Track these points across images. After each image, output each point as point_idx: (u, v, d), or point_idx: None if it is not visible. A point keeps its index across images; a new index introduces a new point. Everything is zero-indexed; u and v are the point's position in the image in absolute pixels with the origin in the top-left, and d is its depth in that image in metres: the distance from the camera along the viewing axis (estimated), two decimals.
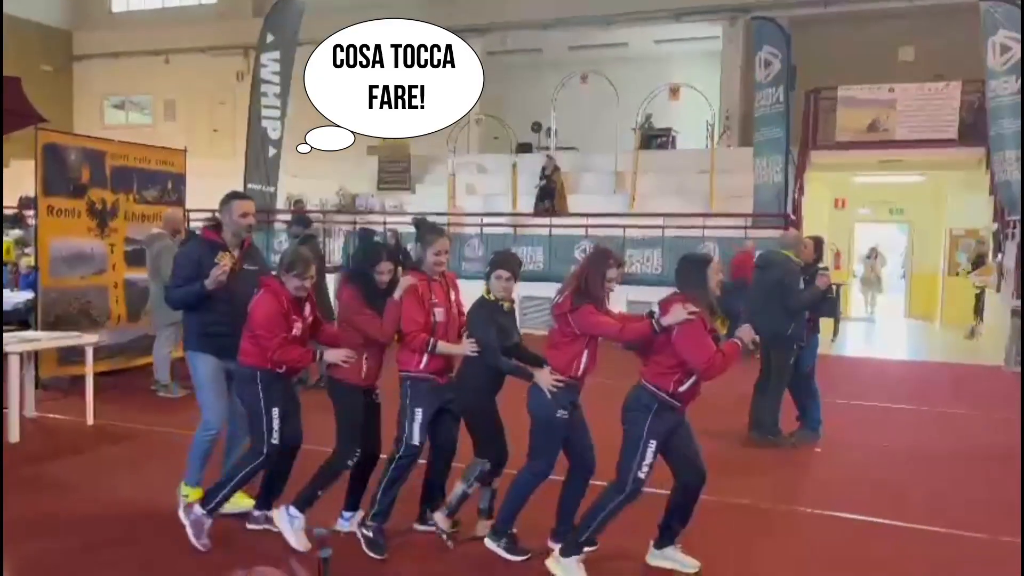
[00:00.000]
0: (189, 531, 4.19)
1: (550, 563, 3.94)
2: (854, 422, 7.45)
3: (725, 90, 17.63)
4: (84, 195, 8.06)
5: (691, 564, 4.04)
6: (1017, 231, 11.40)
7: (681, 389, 3.87)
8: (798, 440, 6.60)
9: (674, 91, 15.93)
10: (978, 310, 14.13)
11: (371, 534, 4.20)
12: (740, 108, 17.15)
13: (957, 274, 15.91)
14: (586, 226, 13.10)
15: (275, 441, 4.23)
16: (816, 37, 16.11)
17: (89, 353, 6.72)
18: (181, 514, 4.30)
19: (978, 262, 13.98)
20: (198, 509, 4.24)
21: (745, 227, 12.73)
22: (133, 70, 21.78)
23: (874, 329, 16.28)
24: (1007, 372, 10.29)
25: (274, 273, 4.37)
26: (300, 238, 8.71)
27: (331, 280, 12.56)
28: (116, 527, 4.47)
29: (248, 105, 15.07)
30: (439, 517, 4.30)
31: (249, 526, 4.44)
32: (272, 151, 15.13)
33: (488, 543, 4.16)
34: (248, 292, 4.35)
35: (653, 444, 3.84)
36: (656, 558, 4.12)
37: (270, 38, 14.93)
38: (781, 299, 6.41)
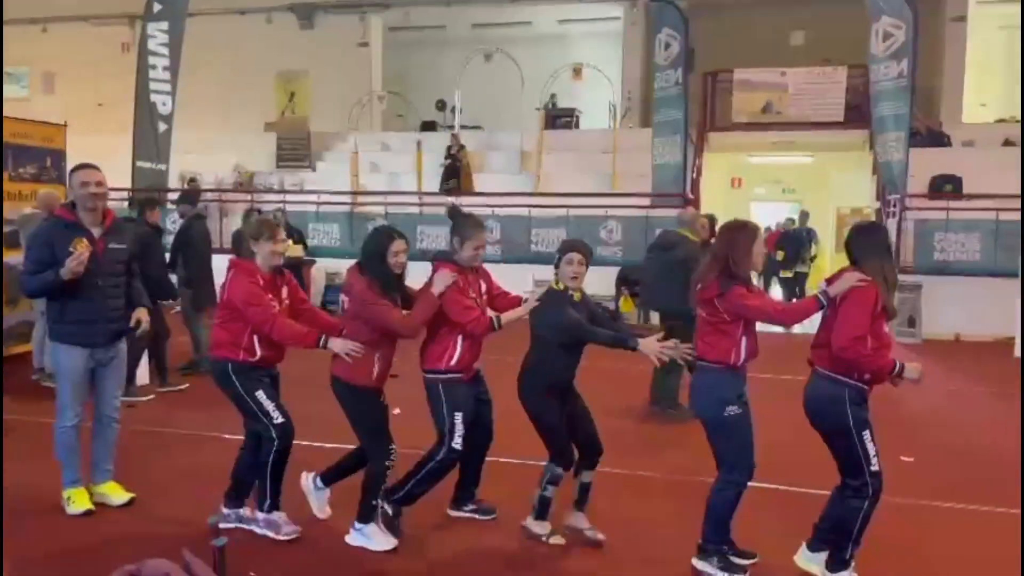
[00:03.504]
0: (266, 531, 4.06)
1: None
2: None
3: (627, 71, 17.91)
4: None
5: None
6: (897, 209, 12.07)
7: (868, 376, 3.52)
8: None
9: (577, 71, 16.08)
10: None
11: (391, 511, 4.07)
12: (641, 89, 17.47)
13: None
14: (492, 206, 13.08)
15: (278, 420, 4.00)
16: (713, 21, 16.54)
17: None
18: (258, 514, 4.14)
19: None
20: (260, 514, 4.09)
21: (646, 206, 12.99)
22: (7, 39, 20.28)
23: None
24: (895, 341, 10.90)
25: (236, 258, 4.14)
26: (188, 217, 8.36)
27: (226, 262, 12.18)
28: None
29: (135, 78, 14.31)
30: (531, 523, 4.15)
31: (221, 524, 4.26)
32: (163, 127, 14.44)
33: (697, 563, 3.84)
34: (116, 273, 4.12)
35: (867, 434, 3.52)
36: (807, 562, 3.84)
37: (157, 7, 14.20)
38: (684, 278, 6.55)
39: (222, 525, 4.20)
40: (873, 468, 3.54)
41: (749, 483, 3.78)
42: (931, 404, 7.38)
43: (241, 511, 4.25)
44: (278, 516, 4.12)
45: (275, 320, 3.86)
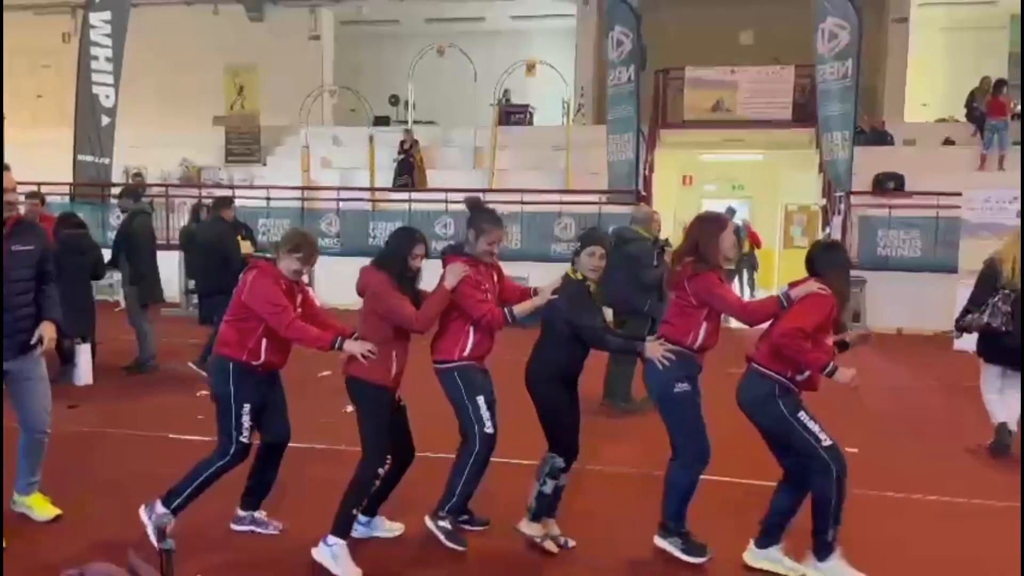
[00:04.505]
0: (150, 531, 3.83)
1: (812, 573, 3.70)
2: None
3: (580, 68, 17.99)
4: None
5: (795, 568, 3.79)
6: (843, 206, 12.35)
7: (800, 377, 3.60)
8: (650, 406, 6.86)
9: (530, 67, 16.08)
10: None
11: (449, 526, 3.96)
12: (594, 86, 17.57)
13: (793, 247, 17.13)
14: (446, 201, 13.04)
15: (244, 439, 3.89)
16: (665, 19, 16.69)
17: None
18: (142, 513, 3.94)
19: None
20: (160, 507, 3.87)
21: (600, 203, 13.07)
22: None
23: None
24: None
25: (268, 256, 4.01)
26: (130, 212, 8.17)
27: (174, 258, 11.92)
28: None
29: (76, 69, 13.91)
30: (525, 525, 4.02)
31: (234, 527, 4.15)
32: (105, 120, 14.07)
33: (659, 542, 3.89)
34: (22, 276, 3.90)
35: (804, 416, 3.59)
36: (757, 559, 3.85)
37: None
38: (636, 275, 6.61)
39: (235, 527, 4.15)
40: (825, 443, 3.57)
41: (703, 474, 3.83)
42: (875, 397, 7.58)
43: (256, 514, 4.17)
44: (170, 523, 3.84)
45: (293, 322, 3.82)
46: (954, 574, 4.01)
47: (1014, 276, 5.53)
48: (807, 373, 3.63)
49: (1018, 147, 13.59)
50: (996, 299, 5.59)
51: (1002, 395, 5.80)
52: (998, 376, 5.79)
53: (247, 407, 3.91)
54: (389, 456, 3.85)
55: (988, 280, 5.72)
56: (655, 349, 3.78)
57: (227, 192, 14.05)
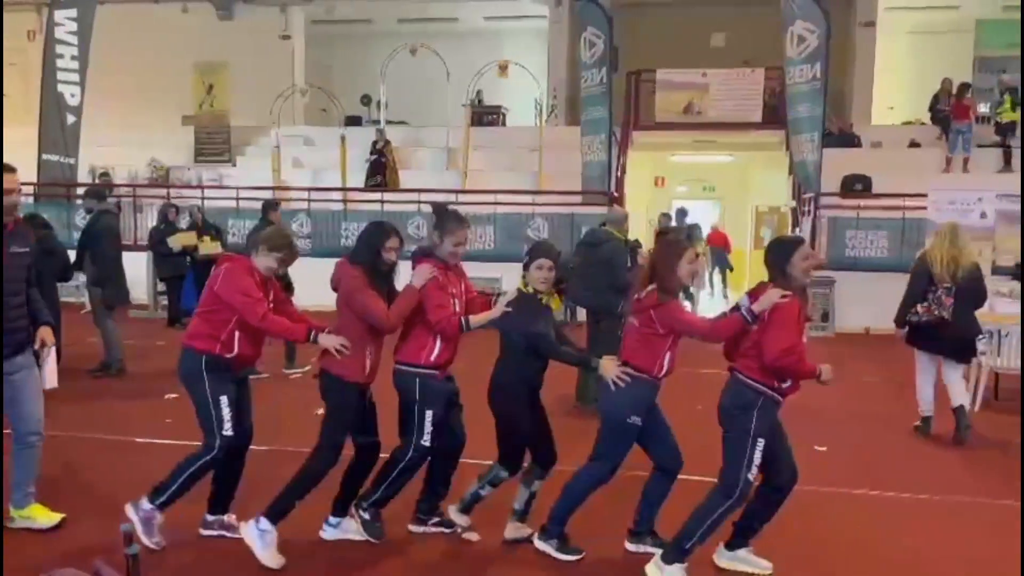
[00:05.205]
0: (139, 529, 3.78)
1: (651, 569, 3.74)
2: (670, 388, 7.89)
3: (553, 70, 18.02)
4: None
5: (764, 566, 3.86)
6: (812, 207, 12.50)
7: (784, 384, 3.63)
8: None
9: (503, 68, 16.07)
10: None
11: (368, 516, 3.98)
12: (567, 87, 17.61)
13: (763, 248, 17.30)
14: (419, 202, 12.98)
15: (227, 433, 3.84)
16: (636, 21, 16.80)
17: None
18: (128, 509, 3.88)
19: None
20: (146, 504, 3.83)
21: (573, 204, 13.10)
22: None
23: (692, 301, 17.34)
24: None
25: (241, 253, 3.98)
26: (95, 213, 8.05)
27: (142, 259, 11.76)
28: None
29: (42, 67, 13.66)
30: (454, 512, 4.07)
31: (203, 532, 4.09)
32: (71, 119, 13.86)
33: (538, 543, 3.98)
34: (18, 278, 3.89)
35: (761, 443, 3.61)
36: (727, 559, 3.90)
37: None
38: (610, 276, 6.63)
39: (204, 532, 4.10)
40: (749, 476, 3.64)
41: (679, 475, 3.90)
42: (844, 395, 7.67)
43: (225, 518, 4.12)
44: (158, 518, 3.93)
45: (267, 314, 3.79)
46: (923, 570, 4.07)
47: (942, 272, 6.05)
48: (790, 381, 3.67)
49: (982, 149, 13.89)
50: (938, 293, 6.07)
51: (934, 380, 6.35)
52: (932, 363, 6.35)
53: (224, 399, 3.86)
54: (339, 456, 3.90)
55: (921, 277, 6.22)
56: (610, 368, 3.79)
57: (196, 192, 13.93)
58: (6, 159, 4.17)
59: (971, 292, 6.11)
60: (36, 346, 4.06)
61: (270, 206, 8.29)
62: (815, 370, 3.61)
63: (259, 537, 3.80)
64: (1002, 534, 4.40)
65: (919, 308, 6.14)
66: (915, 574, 4.02)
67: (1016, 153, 13.49)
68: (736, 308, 3.70)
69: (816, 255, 3.87)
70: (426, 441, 3.93)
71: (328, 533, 4.05)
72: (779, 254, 3.74)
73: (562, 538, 3.97)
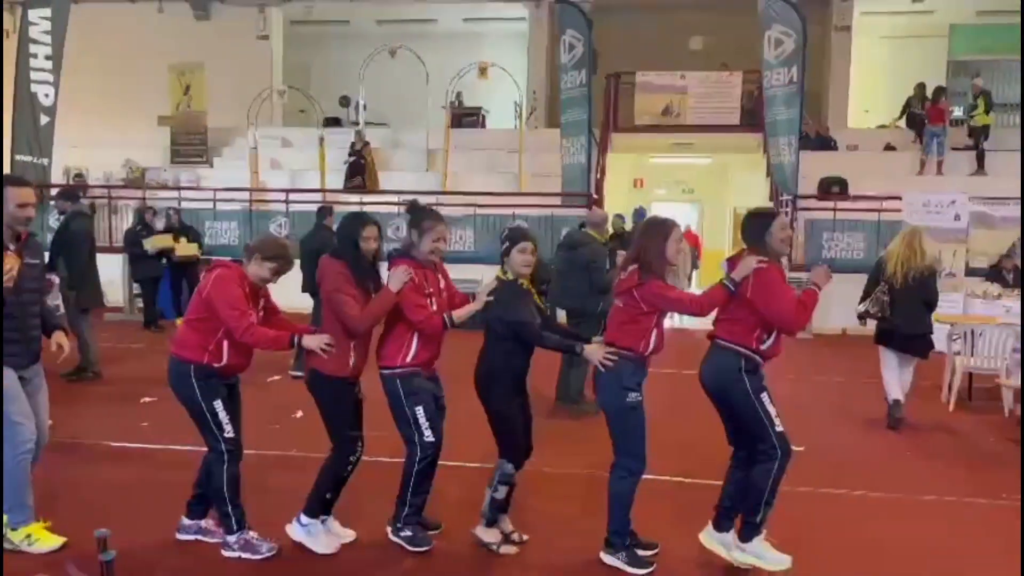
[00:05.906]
0: (240, 554, 3.84)
1: (738, 556, 3.75)
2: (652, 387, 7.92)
3: (532, 72, 18.04)
4: None
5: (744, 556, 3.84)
6: (789, 209, 12.61)
7: (763, 347, 3.67)
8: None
9: (483, 70, 16.05)
10: None
11: (411, 533, 3.96)
12: (547, 90, 17.64)
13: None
14: (398, 204, 12.94)
15: (229, 435, 3.82)
16: (616, 23, 16.84)
17: None
18: (228, 539, 3.90)
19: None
20: (233, 538, 3.88)
21: (553, 206, 13.11)
22: None
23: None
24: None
25: (232, 259, 3.94)
26: (68, 214, 7.94)
27: (117, 261, 11.63)
28: None
29: (15, 67, 13.47)
30: (481, 531, 4.02)
31: (179, 536, 4.05)
32: (44, 119, 13.66)
33: (606, 558, 3.88)
34: (33, 290, 3.88)
35: (765, 397, 3.64)
36: (713, 541, 3.93)
37: None
38: (589, 278, 6.65)
39: (180, 537, 4.06)
40: (778, 429, 3.66)
41: (644, 474, 3.86)
42: (821, 396, 7.76)
43: (203, 523, 4.08)
44: (252, 536, 3.92)
45: (251, 327, 3.74)
46: (897, 569, 4.11)
47: (895, 271, 6.43)
48: (769, 340, 3.69)
49: (955, 152, 14.07)
50: (878, 290, 6.52)
51: (897, 373, 6.66)
52: (892, 356, 6.67)
53: (218, 403, 3.83)
54: (360, 442, 3.92)
55: (874, 274, 6.73)
56: (595, 352, 3.77)
57: (173, 193, 13.80)
58: None
59: (918, 292, 6.41)
60: (52, 349, 4.07)
61: (326, 211, 8.22)
62: (815, 295, 3.72)
63: (305, 533, 3.90)
64: (973, 532, 4.49)
65: (864, 303, 6.63)
66: (890, 572, 4.06)
67: (988, 156, 13.69)
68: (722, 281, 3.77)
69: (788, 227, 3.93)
70: (428, 436, 3.91)
71: (296, 531, 4.00)
72: (758, 225, 3.80)
73: (630, 551, 3.88)
